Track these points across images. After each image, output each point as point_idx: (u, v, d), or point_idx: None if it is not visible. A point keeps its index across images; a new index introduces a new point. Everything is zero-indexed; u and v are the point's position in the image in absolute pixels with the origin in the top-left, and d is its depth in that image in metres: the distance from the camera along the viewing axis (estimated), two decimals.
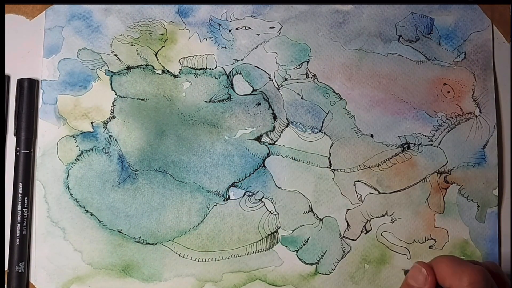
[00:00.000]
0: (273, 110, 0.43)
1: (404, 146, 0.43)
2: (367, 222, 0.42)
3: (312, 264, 0.42)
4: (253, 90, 0.43)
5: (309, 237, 0.42)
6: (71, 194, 0.42)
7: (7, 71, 0.43)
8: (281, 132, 0.43)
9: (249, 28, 0.44)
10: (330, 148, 0.43)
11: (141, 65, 0.43)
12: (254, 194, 0.42)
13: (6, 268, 0.41)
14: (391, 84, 0.44)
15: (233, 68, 0.43)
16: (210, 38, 0.43)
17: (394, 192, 0.43)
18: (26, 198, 0.41)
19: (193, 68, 0.43)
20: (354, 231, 0.42)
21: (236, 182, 0.42)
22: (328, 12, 0.44)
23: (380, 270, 0.42)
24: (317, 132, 0.43)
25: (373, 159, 0.43)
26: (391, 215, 0.42)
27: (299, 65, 0.44)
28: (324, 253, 0.42)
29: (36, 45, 0.43)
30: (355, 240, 0.42)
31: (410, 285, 0.34)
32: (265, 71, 0.43)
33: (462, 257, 0.42)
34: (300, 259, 0.42)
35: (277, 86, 0.43)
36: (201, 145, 0.42)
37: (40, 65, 0.43)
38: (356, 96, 0.43)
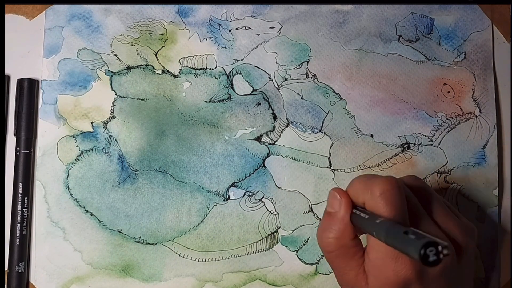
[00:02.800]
0: (273, 110, 0.43)
1: (404, 146, 0.43)
2: None
3: (312, 264, 0.42)
4: (253, 90, 0.43)
5: (309, 237, 0.42)
6: (71, 194, 0.42)
7: (7, 71, 0.43)
8: (281, 132, 0.43)
9: (249, 28, 0.44)
10: (330, 148, 0.43)
11: (141, 65, 0.43)
12: (254, 194, 0.42)
13: (6, 268, 0.41)
14: (391, 84, 0.44)
15: (233, 68, 0.43)
16: (210, 38, 0.43)
17: None
18: (26, 198, 0.41)
19: (193, 68, 0.43)
20: None
21: (236, 182, 0.42)
22: (328, 12, 0.44)
23: None
24: (317, 132, 0.43)
25: (373, 159, 0.43)
26: None
27: (299, 65, 0.44)
28: None
29: (36, 45, 0.43)
30: None
31: (328, 212, 0.33)
32: (265, 71, 0.43)
33: None
34: (300, 259, 0.42)
35: (277, 86, 0.43)
36: (201, 145, 0.42)
37: (40, 65, 0.43)
38: (356, 96, 0.43)
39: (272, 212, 0.42)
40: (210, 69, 0.43)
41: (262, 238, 0.42)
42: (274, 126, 0.43)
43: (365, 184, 0.32)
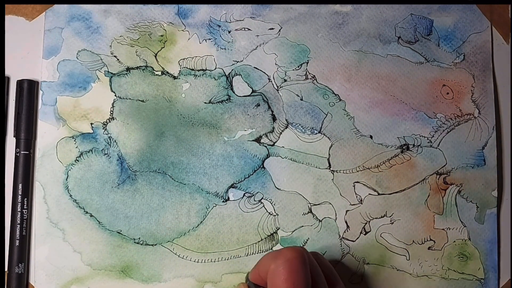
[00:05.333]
0: (272, 111, 0.43)
1: (403, 147, 0.43)
2: (366, 223, 0.42)
3: None
4: (253, 91, 0.43)
5: (309, 238, 0.42)
6: (70, 195, 0.42)
7: (7, 72, 0.43)
8: (281, 133, 0.43)
9: (249, 29, 0.44)
10: (330, 149, 0.43)
11: (140, 66, 0.43)
12: (253, 195, 0.42)
13: (6, 269, 0.41)
14: (391, 85, 0.44)
15: (232, 69, 0.43)
16: (210, 39, 0.43)
17: (394, 193, 0.43)
18: (25, 199, 0.41)
19: (192, 69, 0.43)
20: (353, 232, 0.42)
21: (236, 183, 0.42)
22: (328, 13, 0.44)
23: (380, 271, 0.42)
24: (316, 133, 0.43)
25: (372, 160, 0.43)
26: (390, 216, 0.43)
27: (298, 66, 0.44)
28: (324, 254, 0.42)
29: (35, 46, 0.43)
30: (355, 241, 0.42)
31: None
32: (264, 72, 0.43)
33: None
34: None
35: (276, 87, 0.43)
36: (200, 146, 0.42)
37: (39, 66, 0.43)
38: (355, 97, 0.43)
39: (271, 213, 0.42)
40: (210, 70, 0.43)
41: (262, 239, 0.42)
42: (273, 127, 0.43)
43: (272, 255, 0.33)
